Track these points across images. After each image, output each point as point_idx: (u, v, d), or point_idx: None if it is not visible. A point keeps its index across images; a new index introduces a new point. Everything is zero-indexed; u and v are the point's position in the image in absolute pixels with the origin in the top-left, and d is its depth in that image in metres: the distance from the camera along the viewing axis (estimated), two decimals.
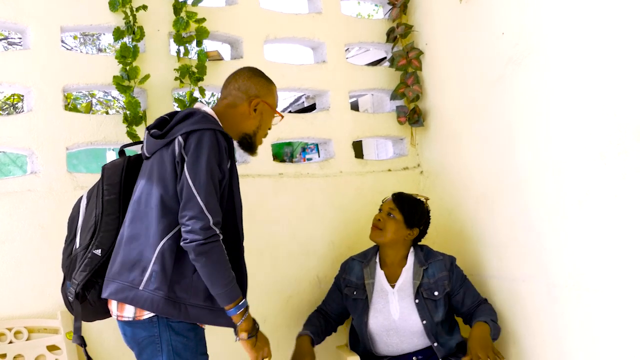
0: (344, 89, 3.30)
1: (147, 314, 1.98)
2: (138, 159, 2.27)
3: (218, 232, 1.95)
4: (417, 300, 2.64)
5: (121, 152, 2.35)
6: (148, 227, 2.00)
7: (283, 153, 10.49)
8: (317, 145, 3.50)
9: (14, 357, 2.40)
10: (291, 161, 10.17)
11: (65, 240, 2.20)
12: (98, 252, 2.07)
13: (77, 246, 2.12)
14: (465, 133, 3.02)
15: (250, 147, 2.29)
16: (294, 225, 3.03)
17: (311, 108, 8.75)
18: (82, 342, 2.09)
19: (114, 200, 2.15)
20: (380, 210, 2.79)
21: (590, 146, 2.21)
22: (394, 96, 3.37)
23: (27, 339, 2.44)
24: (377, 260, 2.77)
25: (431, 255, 2.76)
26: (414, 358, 2.67)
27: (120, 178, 2.20)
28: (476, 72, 2.88)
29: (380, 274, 2.74)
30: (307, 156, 10.42)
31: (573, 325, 2.36)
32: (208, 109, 2.17)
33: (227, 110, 2.22)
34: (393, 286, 2.70)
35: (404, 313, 2.64)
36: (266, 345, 2.15)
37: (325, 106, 3.28)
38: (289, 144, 10.34)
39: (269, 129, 2.35)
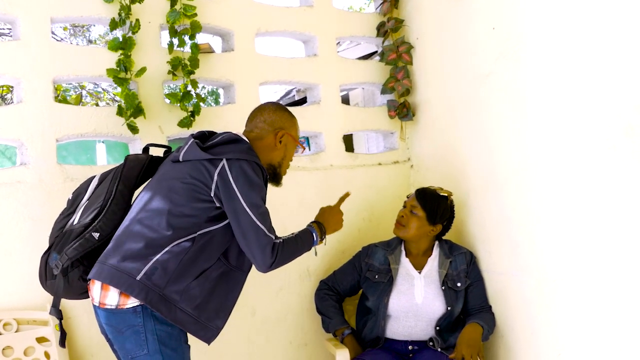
0: (335, 82, 3.30)
1: (130, 303, 1.99)
2: (159, 161, 2.34)
3: (278, 240, 2.11)
4: (443, 287, 2.70)
5: (146, 149, 2.42)
6: (162, 225, 2.05)
7: None
8: (307, 138, 3.50)
9: (3, 349, 2.40)
10: None
11: (63, 213, 2.24)
12: (96, 235, 2.12)
13: (75, 222, 2.16)
14: (456, 127, 3.03)
15: (275, 177, 2.38)
16: (284, 218, 3.02)
17: (302, 101, 8.72)
18: (59, 315, 2.19)
19: (126, 191, 2.23)
20: (404, 206, 2.83)
21: (581, 141, 2.23)
22: (384, 90, 3.38)
23: (16, 331, 2.44)
24: (403, 249, 2.83)
25: (455, 248, 2.83)
26: (409, 347, 2.71)
27: (138, 174, 2.28)
28: (467, 66, 2.89)
29: (405, 261, 2.79)
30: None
31: (561, 319, 2.37)
32: (245, 138, 2.26)
33: (254, 143, 2.27)
34: (420, 272, 2.75)
35: (428, 298, 2.69)
36: (337, 215, 2.44)
37: (316, 100, 3.29)
38: None
39: (291, 160, 2.43)
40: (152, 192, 2.14)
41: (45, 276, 2.18)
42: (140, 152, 2.46)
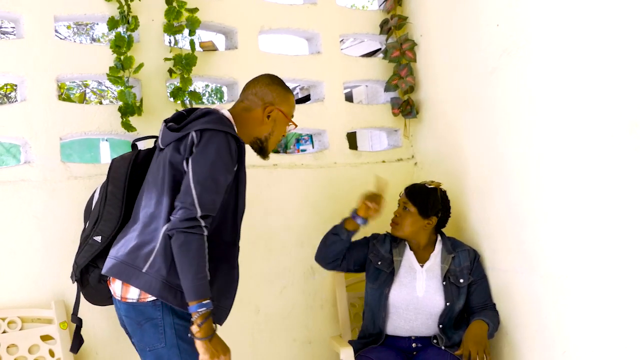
0: (339, 80, 3.29)
1: (151, 296, 2.01)
2: (148, 153, 2.32)
3: (203, 225, 1.97)
4: (444, 282, 2.71)
5: (133, 146, 2.41)
6: (159, 213, 2.05)
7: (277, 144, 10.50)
8: (311, 136, 3.50)
9: (8, 347, 2.40)
10: (285, 152, 10.18)
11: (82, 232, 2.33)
12: (98, 239, 2.19)
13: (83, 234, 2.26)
14: (459, 124, 3.02)
15: (261, 151, 2.33)
16: (288, 216, 3.03)
17: (306, 99, 8.73)
18: (79, 322, 2.31)
19: (117, 191, 2.23)
20: (398, 204, 2.84)
21: (585, 138, 2.22)
22: (387, 88, 3.37)
23: (21, 329, 2.44)
24: (407, 243, 2.83)
25: (458, 245, 2.84)
26: (413, 344, 2.70)
27: (126, 170, 2.26)
28: (471, 63, 2.88)
29: (410, 254, 2.80)
30: (302, 147, 10.42)
31: (566, 317, 2.37)
32: (226, 112, 2.21)
33: (242, 114, 2.25)
34: (422, 266, 2.76)
35: (429, 292, 2.70)
36: (224, 354, 2.00)
37: (319, 97, 3.28)
38: None
39: (283, 136, 2.40)
40: (150, 185, 2.15)
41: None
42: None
